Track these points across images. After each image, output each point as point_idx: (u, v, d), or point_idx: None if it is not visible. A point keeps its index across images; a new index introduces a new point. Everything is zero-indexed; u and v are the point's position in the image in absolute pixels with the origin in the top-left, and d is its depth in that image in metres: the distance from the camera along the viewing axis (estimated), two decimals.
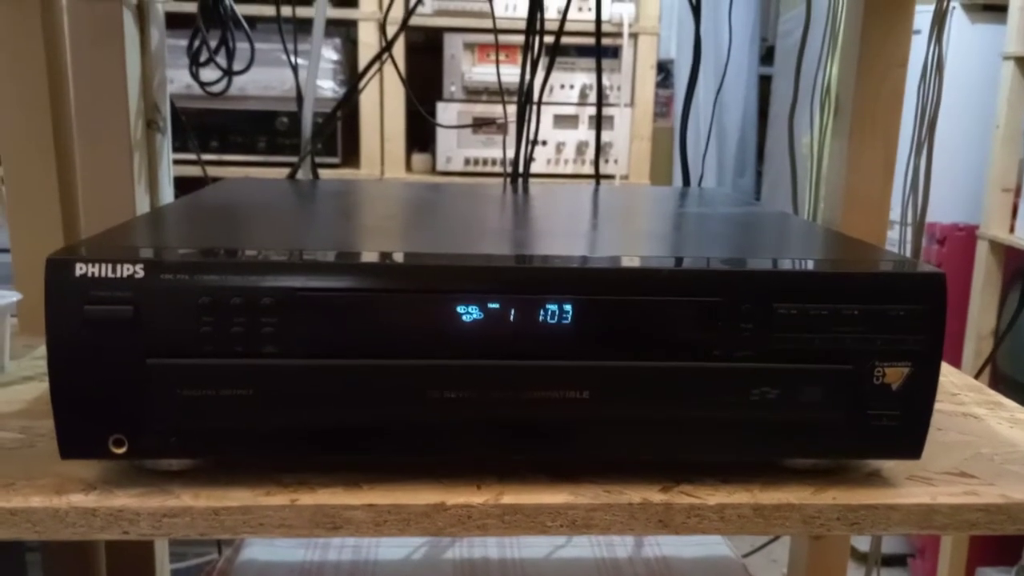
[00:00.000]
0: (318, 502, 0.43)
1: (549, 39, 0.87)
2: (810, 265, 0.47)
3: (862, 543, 1.53)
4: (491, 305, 0.42)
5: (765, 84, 2.90)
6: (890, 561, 1.93)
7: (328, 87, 1.69)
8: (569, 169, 1.80)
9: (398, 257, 0.45)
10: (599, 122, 0.90)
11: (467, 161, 1.78)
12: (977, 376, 0.74)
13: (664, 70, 2.56)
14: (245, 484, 0.44)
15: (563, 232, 0.57)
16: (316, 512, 0.43)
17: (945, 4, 0.73)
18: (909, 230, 0.83)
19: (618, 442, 0.45)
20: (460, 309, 0.42)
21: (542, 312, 0.43)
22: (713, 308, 0.43)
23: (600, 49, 0.89)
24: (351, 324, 0.42)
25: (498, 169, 1.77)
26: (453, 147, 1.77)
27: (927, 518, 0.46)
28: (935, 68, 0.76)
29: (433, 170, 1.80)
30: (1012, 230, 1.66)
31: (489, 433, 0.44)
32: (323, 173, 1.81)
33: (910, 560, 1.92)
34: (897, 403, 0.44)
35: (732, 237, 0.57)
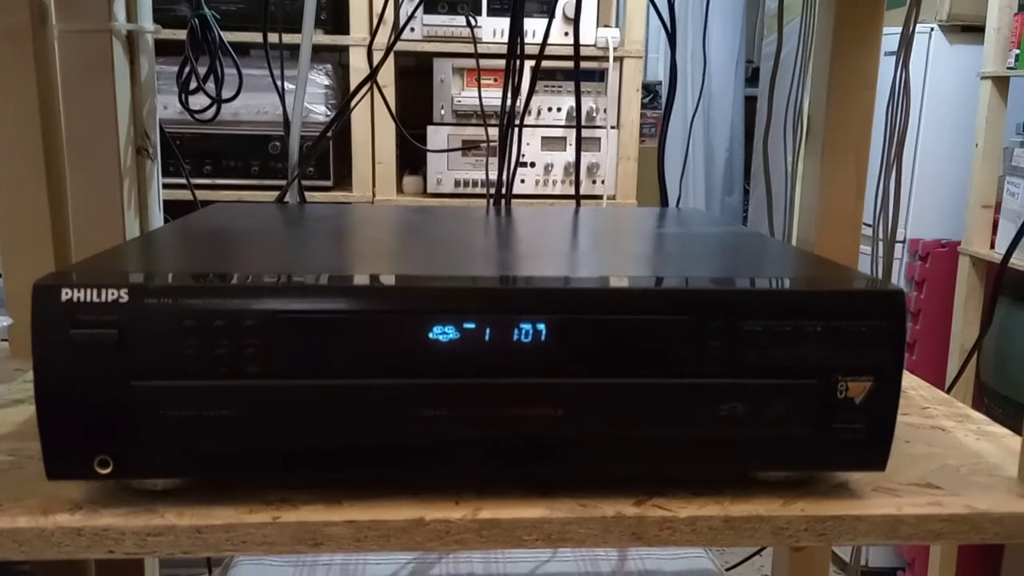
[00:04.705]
0: (300, 519, 0.44)
1: (533, 63, 0.89)
2: (775, 284, 0.49)
3: (849, 553, 1.53)
4: (467, 325, 0.44)
5: (751, 104, 2.94)
6: (880, 575, 1.94)
7: (320, 111, 1.72)
8: (557, 190, 1.82)
9: (375, 279, 0.46)
10: (579, 144, 0.91)
11: (457, 183, 1.80)
12: (951, 387, 0.75)
13: (652, 91, 2.59)
14: (228, 502, 0.45)
15: (537, 253, 0.58)
16: (298, 529, 0.44)
17: (912, 27, 0.75)
18: (881, 246, 0.85)
19: (592, 457, 0.46)
20: (437, 329, 0.44)
21: (516, 331, 0.44)
22: (682, 326, 0.45)
23: (579, 72, 0.91)
24: (330, 345, 0.43)
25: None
26: (443, 169, 1.79)
27: (893, 528, 0.47)
28: (903, 89, 0.78)
29: (424, 192, 1.82)
30: (992, 246, 1.69)
31: (467, 450, 0.45)
32: (316, 196, 1.82)
33: (899, 573, 1.93)
34: (861, 416, 0.46)
35: (703, 257, 0.58)
